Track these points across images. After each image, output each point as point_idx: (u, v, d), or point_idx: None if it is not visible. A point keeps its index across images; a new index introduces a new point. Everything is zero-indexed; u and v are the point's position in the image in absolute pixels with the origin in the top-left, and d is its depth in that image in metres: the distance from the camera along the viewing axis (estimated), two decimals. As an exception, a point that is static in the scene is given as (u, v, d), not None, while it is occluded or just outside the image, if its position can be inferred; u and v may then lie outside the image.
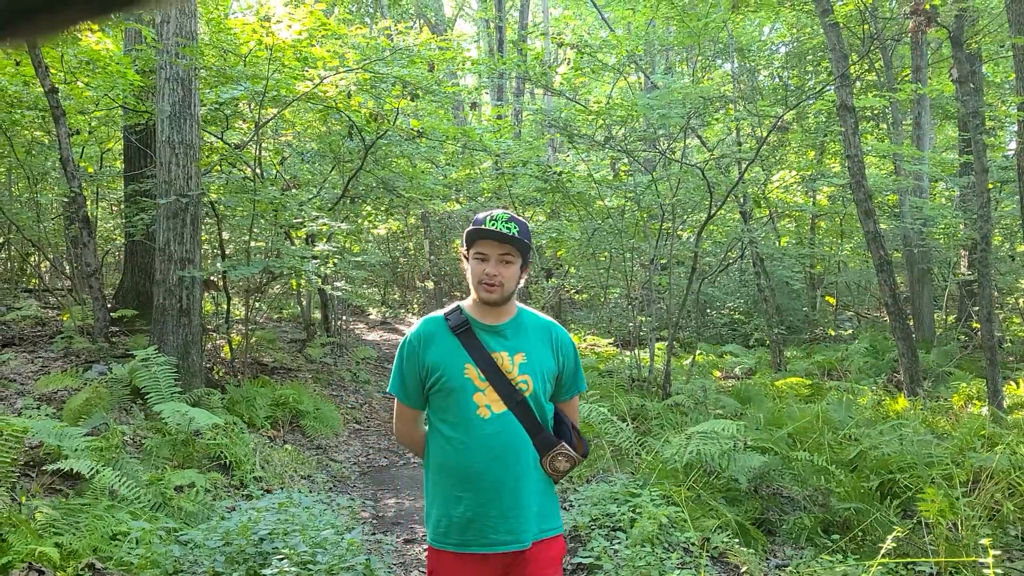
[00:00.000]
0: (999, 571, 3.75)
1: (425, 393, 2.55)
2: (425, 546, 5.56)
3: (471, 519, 2.47)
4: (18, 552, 3.83)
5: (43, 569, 3.76)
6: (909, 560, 4.09)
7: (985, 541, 2.61)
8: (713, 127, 13.64)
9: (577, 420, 2.68)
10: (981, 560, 2.62)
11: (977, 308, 9.47)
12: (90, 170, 11.40)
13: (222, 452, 6.25)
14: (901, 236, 14.09)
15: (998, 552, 2.59)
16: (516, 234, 2.42)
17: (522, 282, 2.55)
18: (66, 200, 9.23)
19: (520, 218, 2.49)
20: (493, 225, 2.43)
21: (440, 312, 2.61)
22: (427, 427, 2.62)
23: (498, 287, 2.45)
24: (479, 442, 2.47)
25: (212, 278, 9.32)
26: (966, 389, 9.72)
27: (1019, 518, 4.71)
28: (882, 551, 2.85)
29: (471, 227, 2.47)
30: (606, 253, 13.79)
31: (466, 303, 2.60)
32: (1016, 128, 8.63)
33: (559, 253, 16.33)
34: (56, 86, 7.79)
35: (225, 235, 10.12)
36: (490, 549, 2.47)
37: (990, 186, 11.66)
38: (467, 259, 2.52)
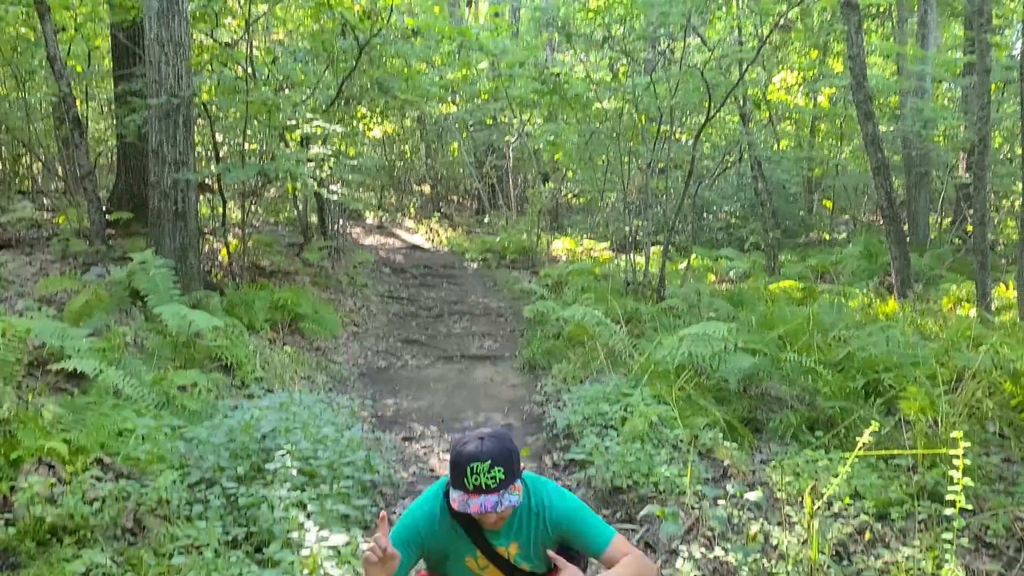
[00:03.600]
0: (972, 464, 3.90)
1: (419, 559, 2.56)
2: (423, 443, 5.75)
3: None
4: (27, 447, 3.96)
5: (53, 463, 3.89)
6: (887, 452, 4.24)
7: (957, 434, 2.71)
8: (715, 25, 13.31)
9: (631, 551, 2.45)
10: (955, 452, 2.72)
11: (972, 211, 9.48)
12: (78, 68, 11.16)
13: (223, 354, 6.36)
14: (901, 138, 13.95)
15: (968, 444, 2.69)
16: (503, 478, 2.28)
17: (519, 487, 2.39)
18: (55, 100, 9.07)
19: (499, 446, 2.32)
20: (476, 482, 2.27)
21: (441, 500, 2.50)
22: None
23: (499, 522, 2.41)
24: None
25: (207, 181, 9.27)
26: (956, 292, 9.83)
27: (998, 415, 4.86)
28: (860, 444, 2.96)
29: (452, 475, 2.33)
30: (603, 157, 13.67)
31: None
32: (1021, 27, 8.45)
33: (556, 157, 16.19)
34: (38, -19, 7.56)
35: (218, 137, 10.00)
36: None
37: (992, 87, 11.48)
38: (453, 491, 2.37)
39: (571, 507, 2.49)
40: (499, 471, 2.27)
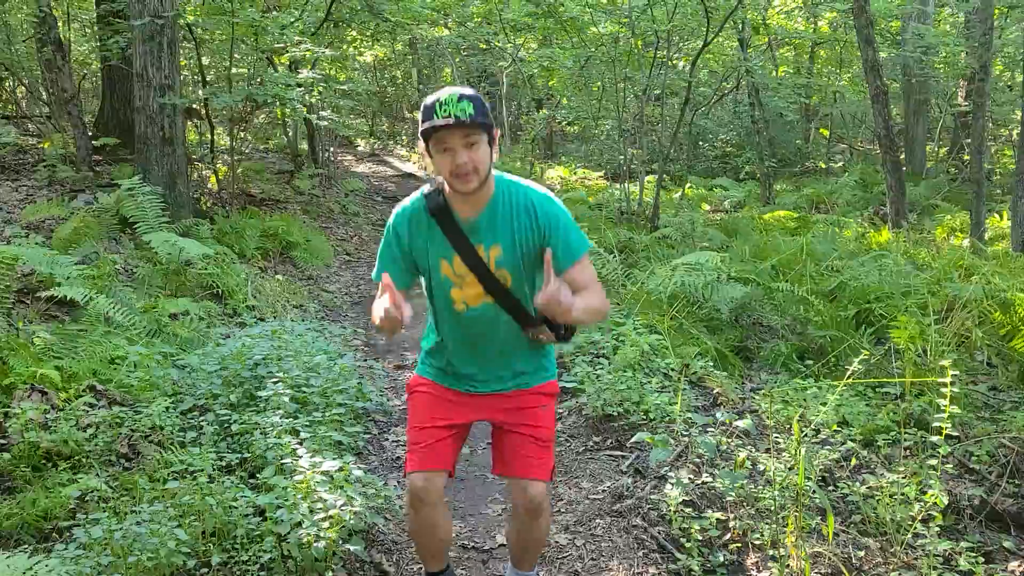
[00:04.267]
0: (959, 392, 3.93)
1: (413, 271, 2.52)
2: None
3: (450, 371, 2.60)
4: (20, 374, 3.96)
5: (45, 390, 3.90)
6: (875, 381, 4.28)
7: (946, 363, 2.72)
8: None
9: (592, 284, 2.39)
10: (942, 380, 2.74)
11: (970, 140, 9.39)
12: (58, -11, 10.82)
13: (214, 282, 6.33)
14: (901, 65, 13.73)
15: (956, 373, 2.71)
16: (473, 114, 2.19)
17: (495, 156, 2.33)
18: (36, 20, 8.82)
19: (470, 90, 2.26)
20: (446, 112, 2.18)
21: (420, 193, 2.43)
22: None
23: (473, 174, 2.24)
24: (459, 327, 2.52)
25: (194, 106, 9.09)
26: (950, 221, 9.82)
27: (987, 344, 4.89)
28: (849, 373, 2.98)
29: (423, 122, 2.24)
30: (598, 83, 13.45)
31: (446, 185, 2.38)
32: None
33: (550, 83, 15.93)
34: None
35: (205, 61, 9.77)
36: (468, 389, 2.60)
37: (996, 12, 11.25)
38: (429, 155, 2.30)
39: (558, 208, 2.39)
40: (468, 104, 2.19)
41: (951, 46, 12.89)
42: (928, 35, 12.77)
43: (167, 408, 3.88)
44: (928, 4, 13.67)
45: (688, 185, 12.48)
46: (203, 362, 4.42)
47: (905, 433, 3.72)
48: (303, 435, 3.62)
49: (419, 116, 2.29)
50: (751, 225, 9.29)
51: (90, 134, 8.67)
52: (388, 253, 2.51)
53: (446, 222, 2.38)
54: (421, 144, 2.31)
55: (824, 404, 3.87)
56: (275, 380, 4.01)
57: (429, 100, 2.25)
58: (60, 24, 9.42)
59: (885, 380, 4.28)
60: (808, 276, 6.22)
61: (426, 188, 2.43)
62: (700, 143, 16.52)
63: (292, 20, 9.69)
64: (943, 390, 2.74)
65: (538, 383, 2.60)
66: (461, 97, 2.20)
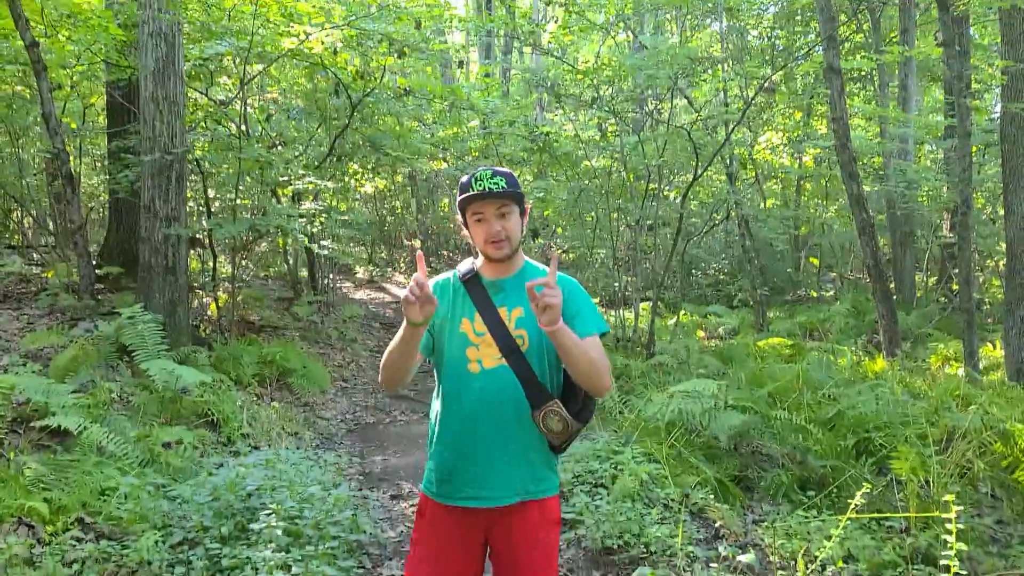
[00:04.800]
0: (965, 526, 3.87)
1: (432, 341, 2.58)
2: (411, 502, 5.67)
3: (450, 472, 2.53)
4: (8, 507, 3.88)
5: (32, 523, 3.82)
6: (880, 516, 4.21)
7: (949, 497, 2.70)
8: (701, 88, 13.61)
9: (601, 356, 2.44)
10: (947, 515, 2.71)
11: (957, 271, 9.58)
12: (73, 125, 11.26)
13: (210, 409, 6.29)
14: (885, 199, 14.16)
15: (961, 507, 2.68)
16: (505, 187, 2.41)
17: (524, 228, 2.54)
18: (49, 156, 9.13)
19: (502, 168, 2.47)
20: (480, 186, 2.41)
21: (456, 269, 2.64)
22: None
23: (505, 241, 2.45)
24: (466, 395, 2.49)
25: (198, 236, 9.29)
26: (943, 350, 9.87)
27: (989, 476, 4.84)
28: (852, 506, 2.94)
29: (460, 196, 2.45)
30: (592, 214, 13.80)
31: (478, 261, 2.60)
32: (1000, 91, 8.67)
33: (546, 213, 16.32)
34: (37, 40, 7.66)
35: (211, 192, 10.06)
36: (465, 503, 2.51)
37: (974, 149, 11.71)
38: (466, 226, 2.50)
39: (583, 291, 2.55)
40: (501, 179, 2.41)
41: (932, 181, 13.34)
42: (910, 171, 13.24)
43: (156, 542, 3.79)
44: (908, 142, 14.23)
45: (682, 312, 12.61)
46: (195, 493, 4.34)
47: (913, 569, 3.64)
48: (295, 570, 3.53)
49: (456, 193, 2.49)
50: (746, 352, 9.33)
51: (94, 263, 8.81)
52: None
53: (474, 286, 2.54)
54: (459, 217, 2.50)
55: (828, 538, 3.79)
56: (268, 512, 3.93)
57: (465, 178, 2.46)
58: (71, 159, 9.75)
59: (890, 515, 4.21)
60: (805, 404, 6.21)
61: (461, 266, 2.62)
62: (693, 271, 16.80)
63: (297, 154, 10.05)
64: (948, 525, 2.71)
65: (538, 496, 2.52)
66: (494, 173, 2.43)
